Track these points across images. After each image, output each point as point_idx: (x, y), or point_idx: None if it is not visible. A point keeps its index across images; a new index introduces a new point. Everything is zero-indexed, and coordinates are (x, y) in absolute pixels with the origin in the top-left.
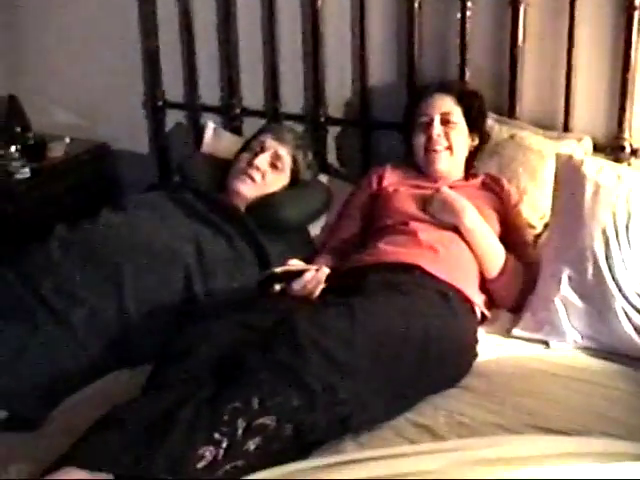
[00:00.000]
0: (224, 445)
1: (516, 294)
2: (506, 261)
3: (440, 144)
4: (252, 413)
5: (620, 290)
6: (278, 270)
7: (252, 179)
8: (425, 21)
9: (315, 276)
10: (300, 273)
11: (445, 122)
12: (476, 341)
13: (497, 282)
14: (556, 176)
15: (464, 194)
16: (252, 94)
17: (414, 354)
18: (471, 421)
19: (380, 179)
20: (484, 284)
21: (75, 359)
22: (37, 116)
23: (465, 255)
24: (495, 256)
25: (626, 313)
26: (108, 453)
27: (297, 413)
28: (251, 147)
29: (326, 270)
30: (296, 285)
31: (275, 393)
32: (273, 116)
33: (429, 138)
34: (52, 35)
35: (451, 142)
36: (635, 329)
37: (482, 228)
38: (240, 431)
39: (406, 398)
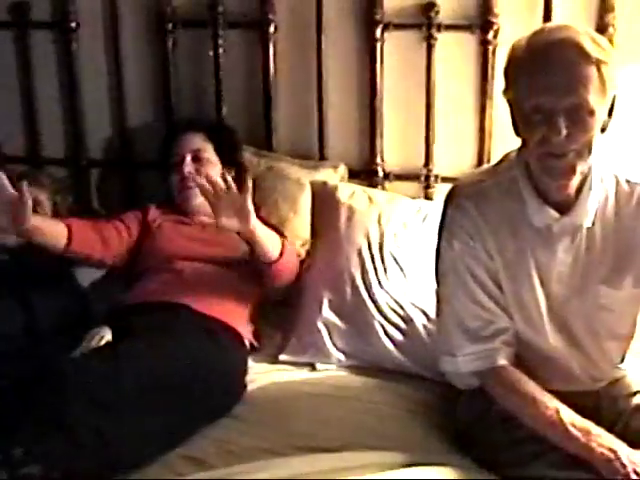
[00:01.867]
0: None
1: (292, 274)
2: (283, 247)
3: (192, 181)
4: (14, 464)
5: (377, 307)
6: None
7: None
8: (180, 60)
9: None
10: None
11: (197, 159)
12: (245, 372)
13: (277, 263)
14: (313, 203)
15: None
16: (10, 141)
17: (181, 391)
18: (239, 448)
19: (144, 218)
20: (253, 314)
21: None
22: None
23: (231, 288)
24: (273, 244)
25: (384, 329)
26: None
27: (63, 459)
28: None
29: None
30: None
31: (39, 441)
32: (34, 161)
33: (182, 177)
34: None
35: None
36: (393, 343)
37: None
38: None
39: (175, 433)
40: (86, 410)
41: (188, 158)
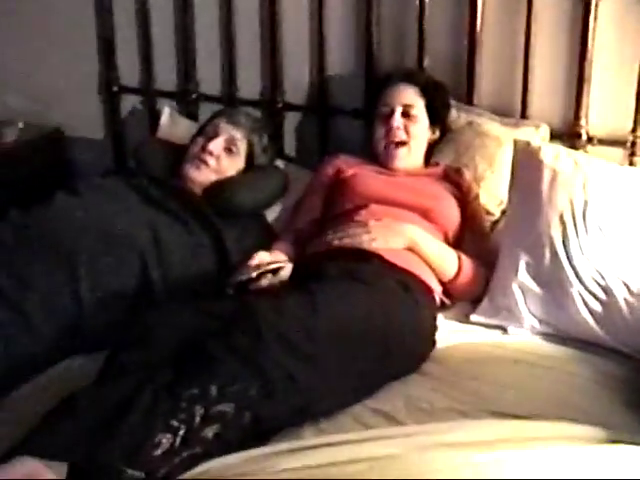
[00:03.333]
0: (181, 432)
1: (474, 292)
2: (460, 264)
3: (399, 137)
4: (210, 400)
5: (577, 275)
6: (254, 275)
7: (206, 164)
8: (383, 7)
9: (281, 277)
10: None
11: (406, 115)
12: (435, 328)
13: (453, 284)
14: (513, 162)
15: (424, 182)
16: (209, 79)
17: (374, 342)
18: (429, 406)
19: (337, 166)
20: None
21: (29, 346)
22: None
23: None
24: (446, 263)
25: (583, 298)
26: (62, 441)
27: (256, 401)
28: (205, 131)
29: (289, 267)
30: (264, 282)
31: (234, 380)
32: (230, 101)
33: (389, 129)
34: (3, 17)
35: (410, 136)
36: (591, 314)
37: (428, 240)
38: (198, 418)
39: (365, 385)
40: (280, 354)
41: (398, 112)
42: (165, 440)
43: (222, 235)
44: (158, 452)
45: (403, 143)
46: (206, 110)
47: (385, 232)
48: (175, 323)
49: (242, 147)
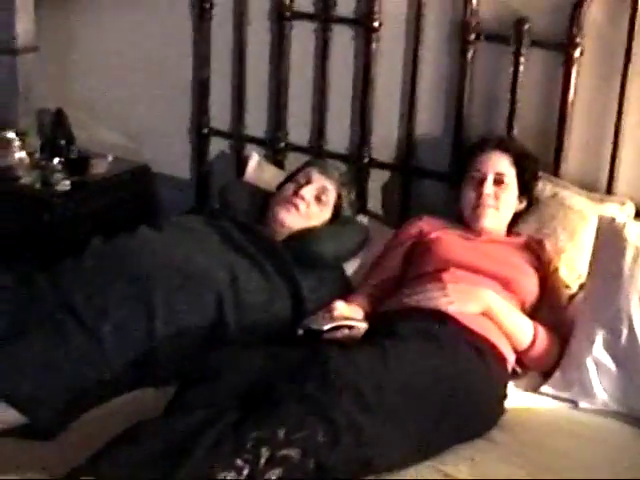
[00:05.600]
0: (245, 472)
1: (548, 363)
2: (535, 334)
3: (488, 204)
4: (277, 443)
5: None
6: (329, 327)
7: (297, 208)
8: (476, 73)
9: (354, 334)
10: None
11: (498, 182)
12: (505, 396)
13: (527, 353)
14: (596, 238)
15: (506, 251)
16: (298, 129)
17: (442, 403)
18: (494, 474)
19: (420, 227)
20: None
21: (99, 373)
22: (82, 132)
23: None
24: (522, 333)
25: None
26: (126, 469)
27: (321, 448)
28: (296, 178)
29: (364, 328)
30: (338, 335)
31: (301, 426)
32: (317, 153)
33: (479, 195)
34: (104, 53)
35: (500, 203)
36: None
37: (505, 308)
38: (263, 460)
39: (430, 444)
40: (349, 404)
41: (490, 179)
42: (229, 478)
43: (299, 283)
44: None
45: (492, 208)
46: (293, 159)
47: (462, 296)
48: (244, 366)
49: (331, 198)
